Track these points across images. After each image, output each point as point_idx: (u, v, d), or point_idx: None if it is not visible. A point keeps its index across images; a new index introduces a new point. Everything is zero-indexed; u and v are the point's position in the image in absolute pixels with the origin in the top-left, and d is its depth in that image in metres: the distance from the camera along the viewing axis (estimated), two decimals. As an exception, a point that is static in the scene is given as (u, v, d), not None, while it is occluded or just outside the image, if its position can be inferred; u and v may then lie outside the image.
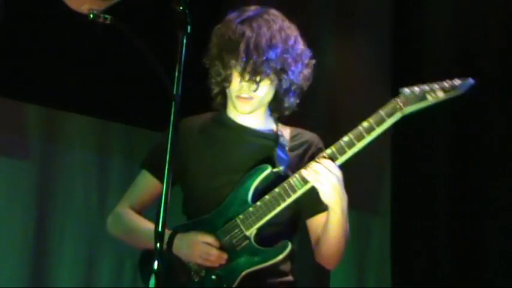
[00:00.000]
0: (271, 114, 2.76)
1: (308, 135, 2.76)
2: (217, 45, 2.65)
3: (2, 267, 4.10)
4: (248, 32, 2.58)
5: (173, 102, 2.05)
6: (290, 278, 2.69)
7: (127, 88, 4.19)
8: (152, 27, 3.40)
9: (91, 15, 2.05)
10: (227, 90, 2.69)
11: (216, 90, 2.73)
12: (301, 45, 2.68)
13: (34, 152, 4.27)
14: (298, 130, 2.79)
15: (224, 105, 2.76)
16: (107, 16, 2.05)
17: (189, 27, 2.08)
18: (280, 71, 2.60)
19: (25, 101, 4.18)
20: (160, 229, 2.00)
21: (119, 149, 4.56)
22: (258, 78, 2.59)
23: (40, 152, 4.30)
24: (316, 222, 2.69)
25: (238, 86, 2.63)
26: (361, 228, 4.57)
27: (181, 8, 2.08)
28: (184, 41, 2.07)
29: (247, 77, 2.59)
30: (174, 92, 2.05)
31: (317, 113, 4.40)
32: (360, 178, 4.29)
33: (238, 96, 2.65)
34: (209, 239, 2.59)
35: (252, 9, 2.68)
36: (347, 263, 4.50)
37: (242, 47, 2.57)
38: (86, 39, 3.59)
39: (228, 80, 2.64)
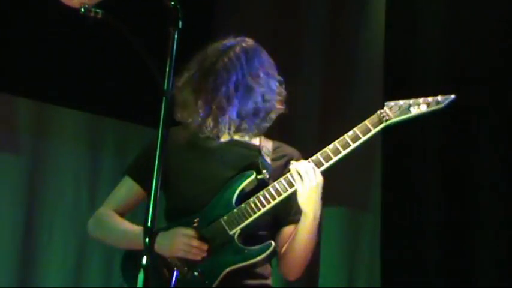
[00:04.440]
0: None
1: (289, 149, 2.83)
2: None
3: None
4: (197, 67, 2.71)
5: (164, 98, 2.04)
6: (269, 281, 2.72)
7: (119, 83, 4.18)
8: (144, 22, 3.39)
9: (82, 10, 2.04)
10: None
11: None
12: (252, 76, 2.70)
13: (24, 146, 4.26)
14: (280, 144, 2.84)
15: None
16: (98, 10, 2.04)
17: (180, 23, 2.07)
18: (228, 102, 2.66)
19: (16, 94, 4.17)
20: (149, 224, 1.98)
21: (110, 144, 4.55)
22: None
23: (30, 146, 4.28)
24: (286, 232, 2.73)
25: None
26: (352, 225, 4.57)
27: (173, 3, 2.07)
28: (176, 36, 2.07)
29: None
30: (165, 88, 2.04)
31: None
32: (350, 175, 4.29)
33: None
34: (189, 231, 2.62)
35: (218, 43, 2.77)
36: (337, 261, 4.49)
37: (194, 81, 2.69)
38: (78, 33, 3.58)
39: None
